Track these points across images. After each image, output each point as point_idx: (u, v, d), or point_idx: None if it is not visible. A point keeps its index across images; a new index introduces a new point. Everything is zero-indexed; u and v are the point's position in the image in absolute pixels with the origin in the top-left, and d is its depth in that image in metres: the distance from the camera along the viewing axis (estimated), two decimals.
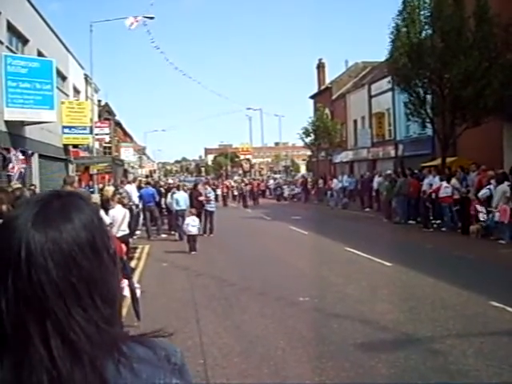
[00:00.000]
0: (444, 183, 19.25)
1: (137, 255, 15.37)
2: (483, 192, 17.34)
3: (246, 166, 71.07)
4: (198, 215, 18.14)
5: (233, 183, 53.09)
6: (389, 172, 26.66)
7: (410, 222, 22.04)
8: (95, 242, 1.05)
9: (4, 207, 4.47)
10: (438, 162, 23.92)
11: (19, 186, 13.00)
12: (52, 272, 0.98)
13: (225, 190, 44.22)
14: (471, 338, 7.03)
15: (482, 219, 17.07)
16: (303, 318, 8.40)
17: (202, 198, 20.06)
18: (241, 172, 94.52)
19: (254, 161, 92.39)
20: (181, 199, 18.84)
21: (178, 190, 20.11)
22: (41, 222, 1.01)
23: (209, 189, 21.39)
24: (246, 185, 45.76)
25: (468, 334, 7.18)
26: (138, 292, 8.29)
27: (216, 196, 41.91)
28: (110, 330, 1.03)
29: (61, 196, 1.10)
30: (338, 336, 7.35)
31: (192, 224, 15.91)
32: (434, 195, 19.99)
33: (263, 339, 7.34)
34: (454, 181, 18.84)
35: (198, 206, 19.55)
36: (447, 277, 10.81)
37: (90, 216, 1.08)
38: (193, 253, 15.53)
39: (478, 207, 17.25)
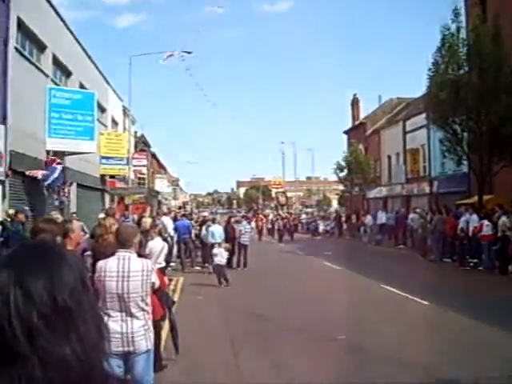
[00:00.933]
0: (485, 221, 18.94)
1: (172, 287, 15.40)
2: None
3: (282, 199, 68.25)
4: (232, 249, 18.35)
5: (269, 217, 51.53)
6: (418, 210, 26.56)
7: (445, 259, 21.72)
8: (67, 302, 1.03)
9: (58, 238, 4.57)
10: (474, 199, 23.62)
11: (59, 216, 13.24)
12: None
13: (260, 224, 42.53)
14: None
15: None
16: (341, 358, 8.28)
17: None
18: (273, 205, 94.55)
19: (288, 194, 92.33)
20: (216, 232, 18.91)
21: (214, 222, 20.21)
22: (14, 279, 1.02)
23: (244, 222, 21.52)
24: (283, 219, 43.98)
25: None
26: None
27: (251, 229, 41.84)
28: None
29: (39, 251, 1.12)
30: (378, 377, 7.22)
31: (220, 254, 15.94)
32: (471, 233, 19.72)
33: (302, 378, 7.26)
34: (504, 218, 18.45)
35: (232, 240, 19.68)
36: (487, 318, 10.55)
37: (67, 275, 1.07)
38: (223, 285, 15.54)
39: None
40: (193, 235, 21.36)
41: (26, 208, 15.30)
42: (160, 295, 7.06)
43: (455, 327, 10.14)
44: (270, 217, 50.41)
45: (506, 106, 19.63)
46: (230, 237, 20.20)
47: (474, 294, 14.18)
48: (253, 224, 42.24)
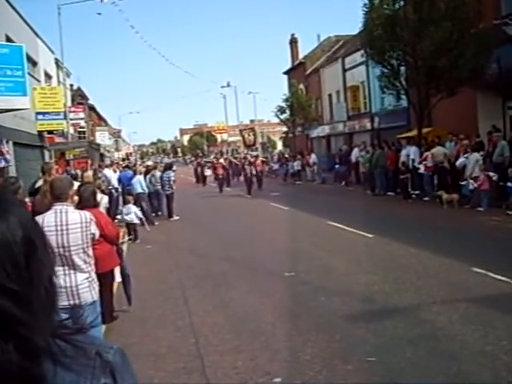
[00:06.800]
0: (428, 153, 19.43)
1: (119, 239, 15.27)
2: (460, 161, 17.58)
3: (250, 138, 50.14)
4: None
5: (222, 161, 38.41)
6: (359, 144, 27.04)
7: (389, 193, 22.25)
8: (32, 240, 1.08)
9: None
10: (414, 133, 24.07)
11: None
12: None
13: (220, 172, 32.32)
14: (456, 304, 7.19)
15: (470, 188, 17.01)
16: (290, 292, 8.51)
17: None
18: (216, 151, 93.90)
19: (230, 139, 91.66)
20: (136, 183, 18.08)
21: (135, 173, 19.46)
22: None
23: (170, 172, 20.32)
24: (250, 164, 30.91)
25: (453, 301, 7.34)
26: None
27: (204, 178, 39.77)
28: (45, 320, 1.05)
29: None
30: (326, 309, 7.46)
31: (127, 212, 14.49)
32: (411, 166, 20.23)
33: (252, 315, 7.43)
34: (440, 149, 18.99)
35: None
36: (429, 246, 10.98)
37: (25, 214, 1.13)
38: (137, 241, 14.54)
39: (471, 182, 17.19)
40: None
41: None
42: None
43: (399, 257, 10.47)
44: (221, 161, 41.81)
45: (437, 39, 19.81)
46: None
47: (416, 225, 14.68)
48: (208, 172, 40.01)
